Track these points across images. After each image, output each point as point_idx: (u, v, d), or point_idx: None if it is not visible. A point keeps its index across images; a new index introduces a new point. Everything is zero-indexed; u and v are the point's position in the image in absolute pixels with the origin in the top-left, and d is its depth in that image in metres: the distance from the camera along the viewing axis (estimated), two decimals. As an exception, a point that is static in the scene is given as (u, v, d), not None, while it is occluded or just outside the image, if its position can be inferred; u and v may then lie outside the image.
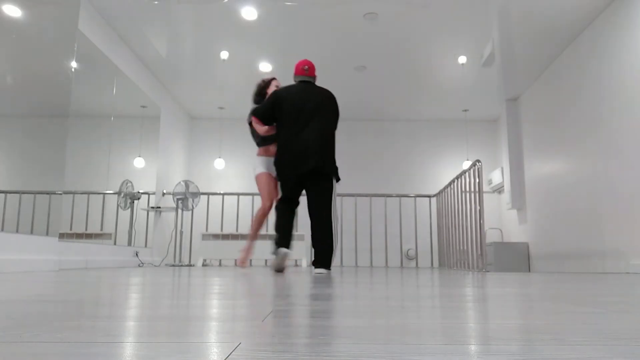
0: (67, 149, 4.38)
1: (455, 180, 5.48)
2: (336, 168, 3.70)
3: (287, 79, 6.75)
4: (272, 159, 4.19)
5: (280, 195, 3.74)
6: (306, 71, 3.80)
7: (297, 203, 3.79)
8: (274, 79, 4.28)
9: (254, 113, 3.79)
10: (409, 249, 8.12)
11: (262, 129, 3.77)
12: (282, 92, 3.70)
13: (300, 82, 3.79)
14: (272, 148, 4.22)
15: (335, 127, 3.75)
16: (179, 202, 6.29)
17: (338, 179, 3.74)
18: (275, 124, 3.75)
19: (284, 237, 3.62)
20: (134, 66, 5.96)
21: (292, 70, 6.49)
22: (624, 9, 4.55)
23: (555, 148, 6.09)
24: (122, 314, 0.84)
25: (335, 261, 8.01)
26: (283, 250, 3.53)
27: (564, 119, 5.84)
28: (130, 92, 5.80)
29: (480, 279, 2.56)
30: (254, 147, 8.38)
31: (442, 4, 4.84)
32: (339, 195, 6.67)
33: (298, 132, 3.58)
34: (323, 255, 3.50)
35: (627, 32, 4.49)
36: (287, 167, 3.58)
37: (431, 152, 8.44)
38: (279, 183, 3.84)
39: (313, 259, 3.55)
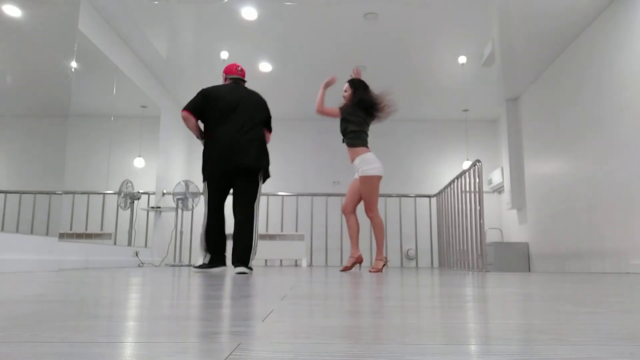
0: (67, 149, 4.38)
1: (455, 180, 5.48)
2: (267, 165, 3.62)
3: (286, 79, 6.75)
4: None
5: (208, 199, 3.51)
6: (240, 72, 3.82)
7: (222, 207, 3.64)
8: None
9: (187, 107, 3.55)
10: (409, 249, 8.12)
11: (190, 122, 3.55)
12: (210, 89, 3.62)
13: (233, 80, 3.77)
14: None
15: (263, 129, 3.68)
16: (179, 202, 6.29)
17: (266, 177, 3.65)
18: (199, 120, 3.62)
19: (217, 252, 3.48)
20: (134, 66, 5.96)
21: (291, 70, 6.49)
22: (623, 9, 4.55)
23: (555, 148, 6.09)
24: (122, 314, 0.84)
25: (336, 261, 8.01)
26: (218, 270, 3.48)
27: (563, 119, 5.84)
28: (130, 92, 5.80)
29: (480, 279, 2.56)
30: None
31: (442, 4, 4.84)
32: (342, 194, 6.68)
33: (230, 128, 3.51)
34: (243, 253, 3.38)
35: (627, 32, 4.49)
36: (217, 163, 3.47)
37: (431, 152, 8.43)
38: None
39: (232, 257, 3.42)
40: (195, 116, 3.53)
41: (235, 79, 3.78)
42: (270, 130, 3.79)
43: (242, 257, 3.36)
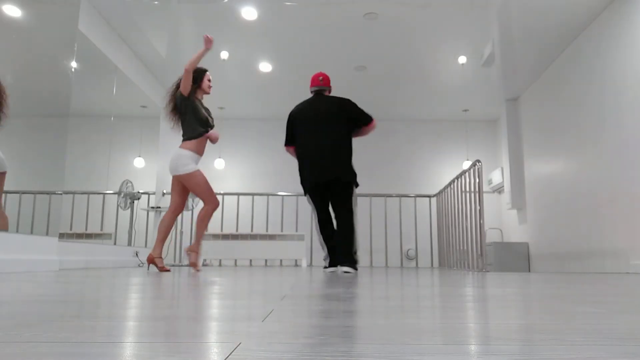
0: (67, 149, 4.38)
1: (455, 180, 5.48)
2: (354, 174, 3.89)
3: (286, 79, 6.75)
4: (198, 157, 3.66)
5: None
6: (321, 82, 4.07)
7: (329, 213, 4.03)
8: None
9: (285, 143, 4.13)
10: (409, 249, 8.12)
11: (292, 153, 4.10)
12: (293, 111, 4.03)
13: (314, 92, 4.08)
14: (201, 144, 3.66)
15: (347, 132, 3.90)
16: (179, 202, 6.28)
17: (356, 185, 3.93)
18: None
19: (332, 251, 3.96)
20: (134, 66, 5.96)
21: (291, 70, 6.49)
22: (624, 9, 4.55)
23: (555, 148, 6.09)
24: (122, 314, 0.84)
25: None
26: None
27: (563, 119, 5.84)
28: (130, 92, 5.80)
29: (480, 279, 2.56)
30: (254, 148, 8.39)
31: (442, 4, 4.84)
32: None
33: (313, 141, 3.86)
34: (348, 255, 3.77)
35: (627, 32, 4.49)
36: (307, 179, 3.87)
37: (431, 152, 8.43)
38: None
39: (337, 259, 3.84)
40: (292, 145, 4.04)
41: (316, 90, 4.07)
42: (365, 124, 3.97)
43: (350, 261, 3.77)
